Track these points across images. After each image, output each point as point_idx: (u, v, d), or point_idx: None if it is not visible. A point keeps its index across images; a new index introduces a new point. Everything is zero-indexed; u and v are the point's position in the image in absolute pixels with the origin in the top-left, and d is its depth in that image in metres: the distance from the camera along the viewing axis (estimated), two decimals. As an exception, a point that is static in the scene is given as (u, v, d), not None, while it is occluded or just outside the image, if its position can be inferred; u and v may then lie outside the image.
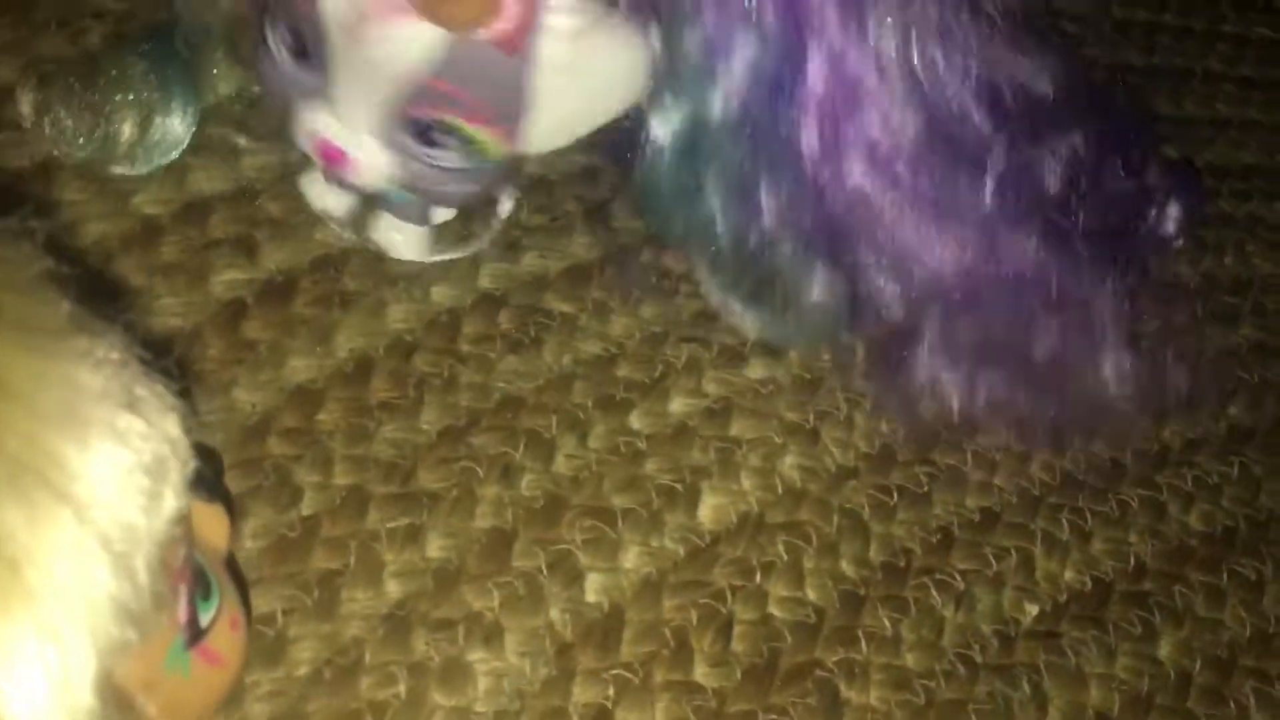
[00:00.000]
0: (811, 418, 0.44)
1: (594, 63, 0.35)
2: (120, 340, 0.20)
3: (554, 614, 0.37)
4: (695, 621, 0.38)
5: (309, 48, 0.35)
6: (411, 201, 0.40)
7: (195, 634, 0.23)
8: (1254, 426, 0.50)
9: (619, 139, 0.41)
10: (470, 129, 0.36)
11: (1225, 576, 0.45)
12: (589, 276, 0.45)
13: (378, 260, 0.43)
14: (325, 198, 0.42)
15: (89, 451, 0.18)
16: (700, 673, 0.38)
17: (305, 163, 0.42)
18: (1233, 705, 0.42)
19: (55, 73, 0.43)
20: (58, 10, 0.45)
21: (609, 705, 0.36)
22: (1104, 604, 0.43)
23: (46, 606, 0.18)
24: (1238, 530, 0.47)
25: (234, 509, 0.29)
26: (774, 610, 0.40)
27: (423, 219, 0.42)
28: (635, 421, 0.42)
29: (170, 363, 0.21)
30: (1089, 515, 0.45)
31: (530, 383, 0.42)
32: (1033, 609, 0.42)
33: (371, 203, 0.42)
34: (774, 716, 0.37)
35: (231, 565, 0.28)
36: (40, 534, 0.18)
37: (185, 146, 0.43)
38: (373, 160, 0.37)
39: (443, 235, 0.44)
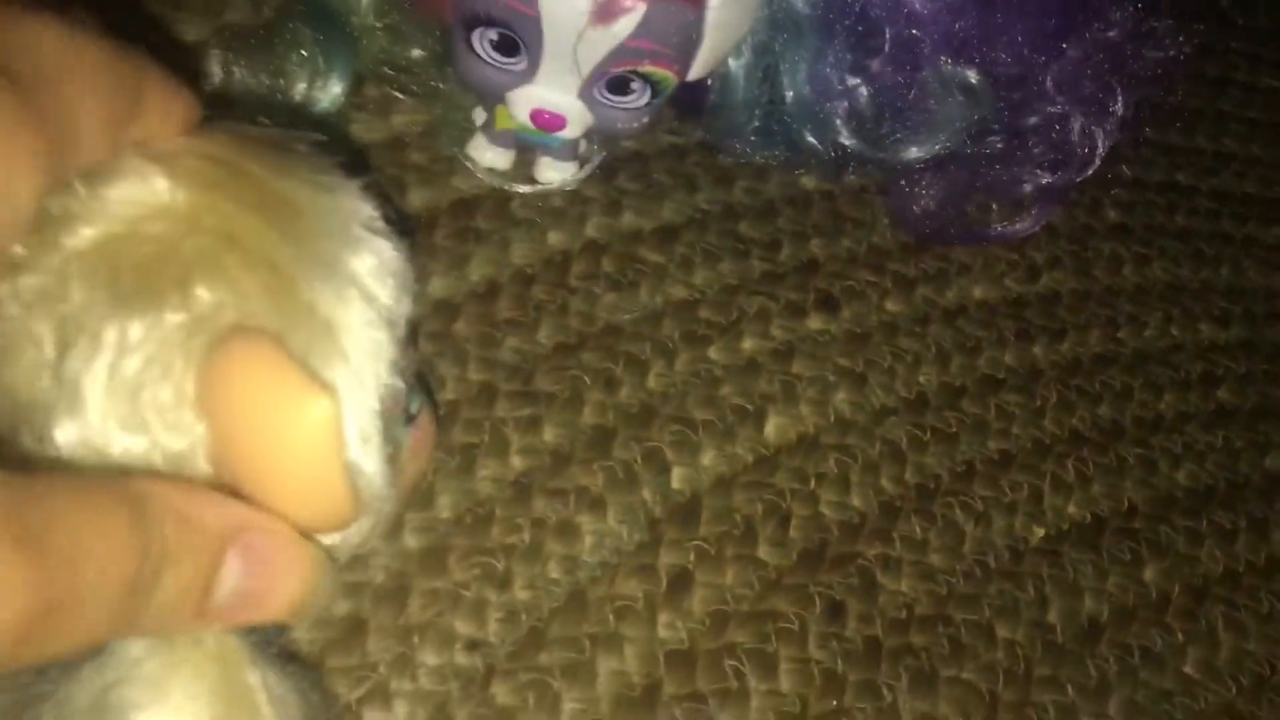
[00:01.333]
0: (860, 364, 0.52)
1: None
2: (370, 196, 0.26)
3: (646, 494, 0.45)
4: (760, 513, 0.46)
5: (521, 45, 0.42)
6: (568, 143, 0.48)
7: (408, 417, 0.28)
8: (1238, 407, 0.59)
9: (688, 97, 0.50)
10: (657, 71, 0.43)
11: (1204, 523, 0.53)
12: (676, 235, 0.54)
13: (503, 204, 0.52)
14: (493, 157, 0.51)
15: (361, 255, 0.24)
16: (763, 551, 0.45)
17: (463, 132, 0.51)
18: (1204, 623, 0.50)
19: (238, 37, 0.51)
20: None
21: (689, 568, 0.44)
22: (1099, 534, 0.51)
23: (351, 355, 0.22)
24: (1217, 488, 0.55)
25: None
26: (824, 510, 0.47)
27: (574, 156, 0.50)
28: (713, 354, 0.50)
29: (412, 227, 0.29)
30: (1091, 464, 0.53)
31: (628, 315, 0.50)
32: (1039, 531, 0.50)
33: (529, 152, 0.51)
34: (822, 589, 0.45)
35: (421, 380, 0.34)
36: (342, 305, 0.23)
37: (344, 103, 0.51)
38: (579, 116, 0.45)
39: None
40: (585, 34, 0.43)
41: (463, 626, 0.41)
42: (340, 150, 0.28)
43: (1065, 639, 0.48)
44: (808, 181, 0.59)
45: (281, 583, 0.22)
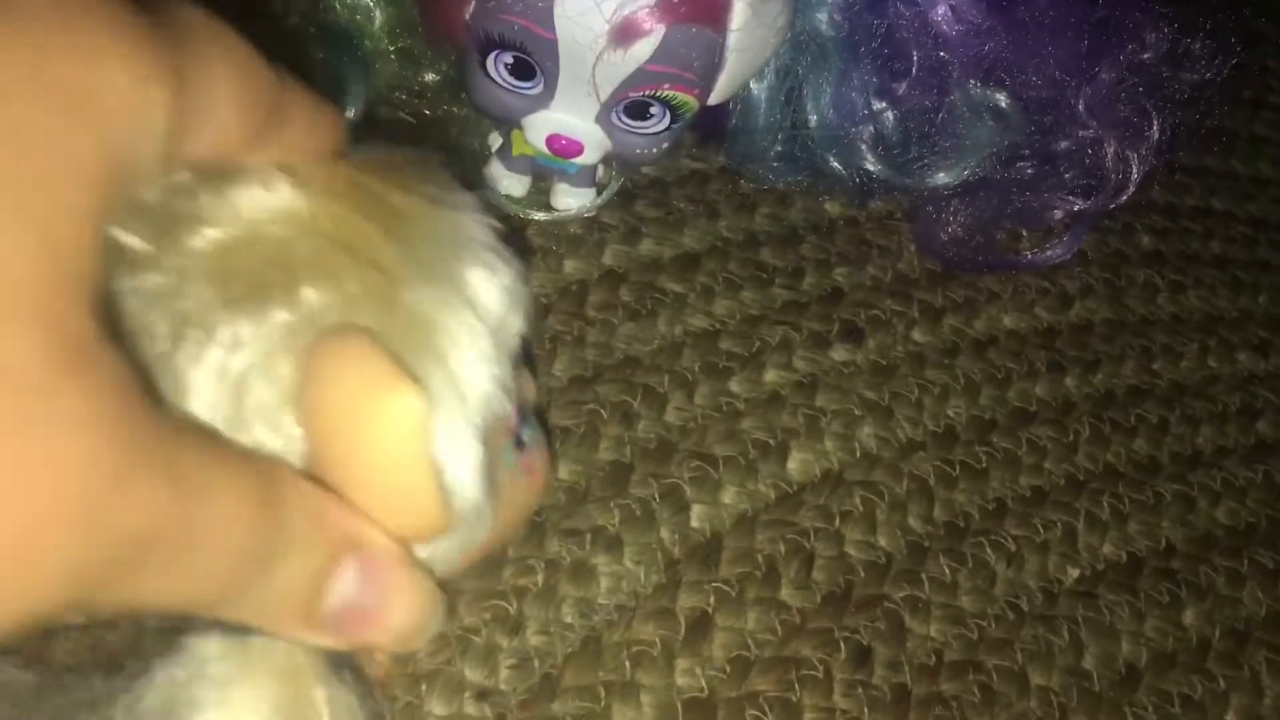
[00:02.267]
0: (886, 397, 0.51)
1: (763, 17, 0.41)
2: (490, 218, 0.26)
3: (664, 533, 0.44)
4: (783, 553, 0.45)
5: (537, 69, 0.41)
6: (585, 169, 0.47)
7: (519, 443, 0.28)
8: (1278, 441, 0.56)
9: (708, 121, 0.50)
10: (677, 96, 0.42)
11: (1246, 563, 0.51)
12: (697, 263, 0.52)
13: (519, 232, 0.50)
14: (509, 183, 0.50)
15: (471, 267, 0.24)
16: (786, 593, 0.44)
17: (479, 158, 0.50)
18: (1247, 669, 0.48)
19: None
20: (244, 6, 0.53)
21: (709, 611, 0.42)
22: (1136, 575, 0.49)
23: (450, 361, 0.23)
24: (1259, 526, 0.53)
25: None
26: (850, 550, 0.46)
27: (592, 182, 0.49)
28: (735, 386, 0.49)
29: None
30: (1127, 501, 0.51)
31: (646, 346, 0.49)
32: (1074, 572, 0.48)
33: (545, 179, 0.49)
34: (848, 634, 0.43)
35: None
36: (445, 311, 0.23)
37: (357, 129, 0.50)
38: (596, 141, 0.44)
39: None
40: (603, 57, 0.41)
41: (472, 674, 0.40)
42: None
43: (1102, 686, 0.46)
44: (832, 207, 0.57)
45: (392, 607, 0.21)
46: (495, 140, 0.51)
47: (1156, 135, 0.52)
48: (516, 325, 0.26)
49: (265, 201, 0.23)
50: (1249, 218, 0.66)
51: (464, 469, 0.23)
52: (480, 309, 0.24)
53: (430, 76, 0.51)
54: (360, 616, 0.21)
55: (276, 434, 0.23)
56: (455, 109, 0.51)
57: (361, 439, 0.22)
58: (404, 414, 0.22)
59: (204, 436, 0.19)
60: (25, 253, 0.14)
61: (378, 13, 0.50)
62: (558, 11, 0.41)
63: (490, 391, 0.24)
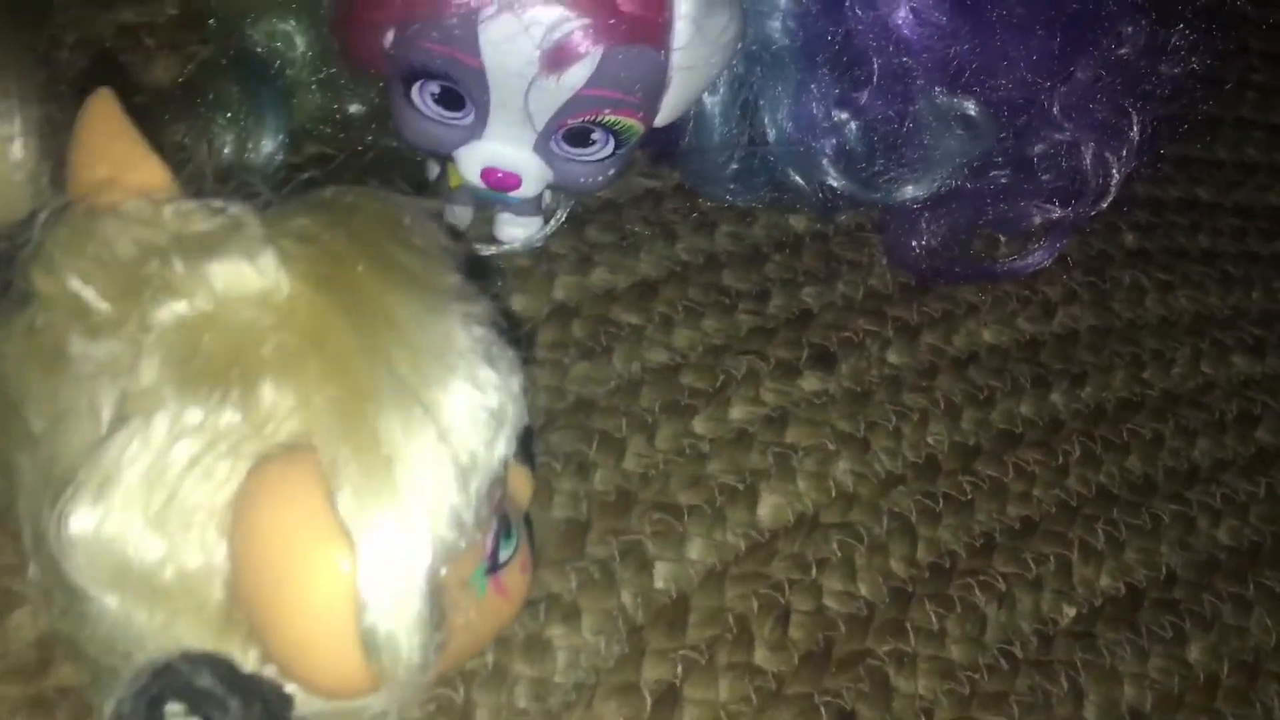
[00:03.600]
0: (862, 428, 0.47)
1: (708, 32, 0.38)
2: (489, 308, 0.25)
3: (626, 597, 0.40)
4: (756, 610, 0.41)
5: (466, 98, 0.38)
6: (529, 200, 0.43)
7: (494, 564, 0.27)
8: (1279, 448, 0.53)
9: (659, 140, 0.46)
10: (620, 121, 0.39)
11: (1252, 588, 0.48)
12: (654, 292, 0.49)
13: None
14: (451, 213, 0.46)
15: (452, 389, 0.22)
16: (760, 656, 0.40)
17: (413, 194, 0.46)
18: (1259, 707, 0.45)
19: (157, 100, 0.46)
20: (162, 37, 0.49)
21: (677, 682, 0.39)
22: (1137, 609, 0.46)
23: (408, 502, 0.21)
24: (1264, 545, 0.50)
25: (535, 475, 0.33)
26: (828, 602, 0.42)
27: (538, 210, 0.46)
28: (699, 426, 0.45)
29: (521, 334, 0.26)
30: (1123, 526, 0.48)
31: (601, 387, 0.45)
32: (1070, 611, 0.45)
33: (488, 209, 0.46)
34: (829, 699, 0.40)
35: (526, 521, 0.32)
36: (411, 441, 0.21)
37: (280, 164, 0.46)
38: (536, 173, 0.40)
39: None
40: (535, 83, 0.38)
41: (417, 774, 0.36)
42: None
43: (1104, 736, 0.43)
44: (797, 222, 0.54)
45: None
46: (432, 170, 0.47)
47: (1136, 135, 0.49)
48: (500, 450, 0.24)
49: (242, 280, 0.22)
50: (1236, 207, 0.63)
51: (400, 629, 0.21)
52: (455, 438, 0.22)
53: (355, 108, 0.47)
54: None
55: (198, 546, 0.21)
56: (386, 141, 0.47)
57: (284, 586, 0.21)
58: (330, 575, 0.20)
59: None
60: None
61: (298, 40, 0.46)
62: (483, 39, 0.37)
63: (447, 537, 0.22)
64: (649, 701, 0.39)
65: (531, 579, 0.30)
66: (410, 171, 0.47)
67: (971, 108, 0.44)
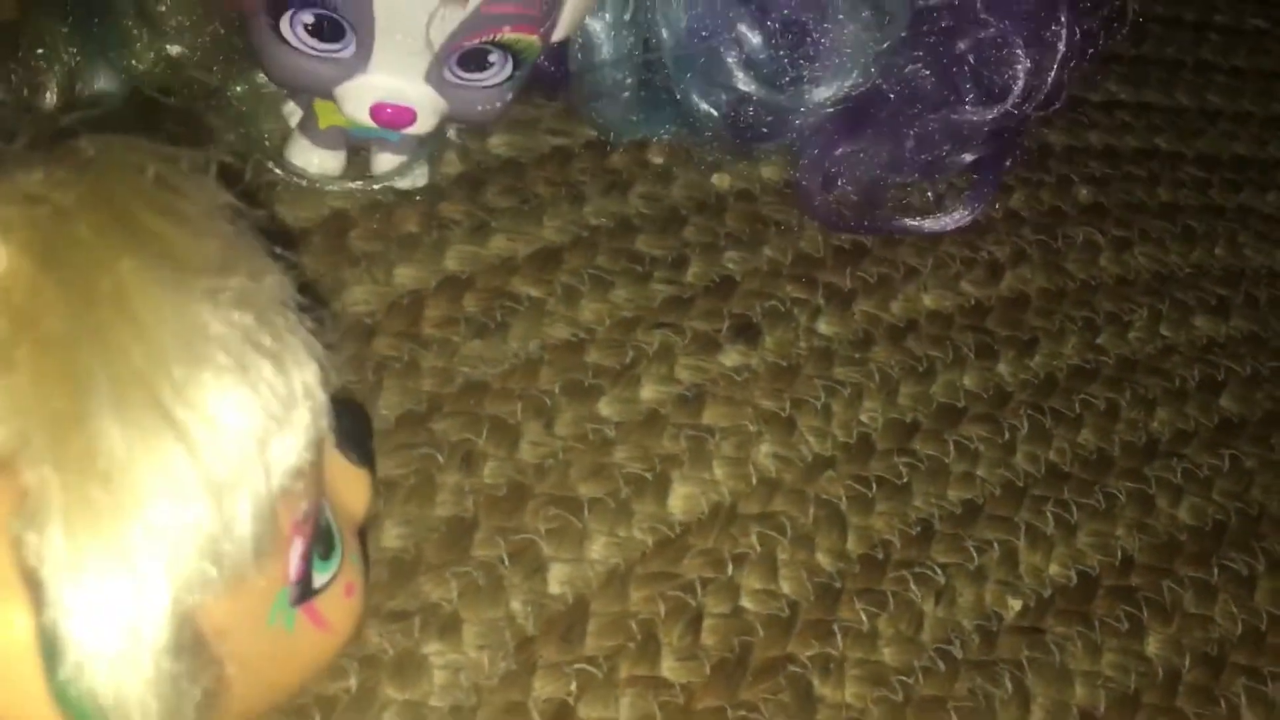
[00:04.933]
0: (788, 406, 0.43)
1: None
2: (278, 284, 0.21)
3: (515, 605, 0.36)
4: (663, 614, 0.37)
5: (346, 26, 0.34)
6: (409, 137, 0.39)
7: (305, 592, 0.23)
8: (1245, 418, 0.50)
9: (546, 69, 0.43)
10: (520, 39, 0.35)
11: (1216, 572, 0.44)
12: (558, 260, 0.44)
13: (337, 237, 0.42)
14: (321, 160, 0.42)
15: (204, 386, 0.18)
16: (667, 667, 0.36)
17: (278, 135, 0.41)
18: (1223, 704, 0.41)
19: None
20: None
21: (571, 701, 0.35)
22: (1089, 599, 0.42)
23: (131, 529, 0.17)
24: (1228, 524, 0.46)
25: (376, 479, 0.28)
26: (746, 603, 0.38)
27: (418, 146, 0.41)
28: (604, 408, 0.41)
29: (325, 314, 0.21)
30: (1074, 508, 0.44)
31: (495, 368, 0.41)
32: (1016, 604, 0.41)
33: (363, 148, 0.43)
34: (744, 713, 0.36)
35: (362, 535, 0.28)
36: (139, 455, 0.18)
37: (114, 109, 0.42)
38: (431, 105, 0.37)
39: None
40: (437, 9, 0.34)
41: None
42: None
43: (1053, 744, 0.39)
44: (720, 180, 0.49)
45: None
46: (293, 113, 0.43)
47: (1065, 30, 0.44)
48: (283, 458, 0.20)
49: None
50: (1199, 156, 0.59)
51: (126, 688, 0.18)
52: (207, 447, 0.18)
53: (177, 50, 0.42)
54: None
55: None
56: (230, 84, 0.42)
57: None
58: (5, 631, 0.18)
59: None
60: None
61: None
62: None
63: (194, 571, 0.18)
64: (538, 724, 0.34)
65: (362, 602, 0.26)
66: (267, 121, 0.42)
67: None
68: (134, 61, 0.41)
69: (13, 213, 0.19)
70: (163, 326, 0.19)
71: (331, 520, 0.25)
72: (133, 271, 0.19)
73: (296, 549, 0.22)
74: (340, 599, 0.24)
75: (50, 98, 0.40)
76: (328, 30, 0.35)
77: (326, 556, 0.24)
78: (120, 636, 0.17)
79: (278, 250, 0.22)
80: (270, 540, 0.20)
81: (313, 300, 0.22)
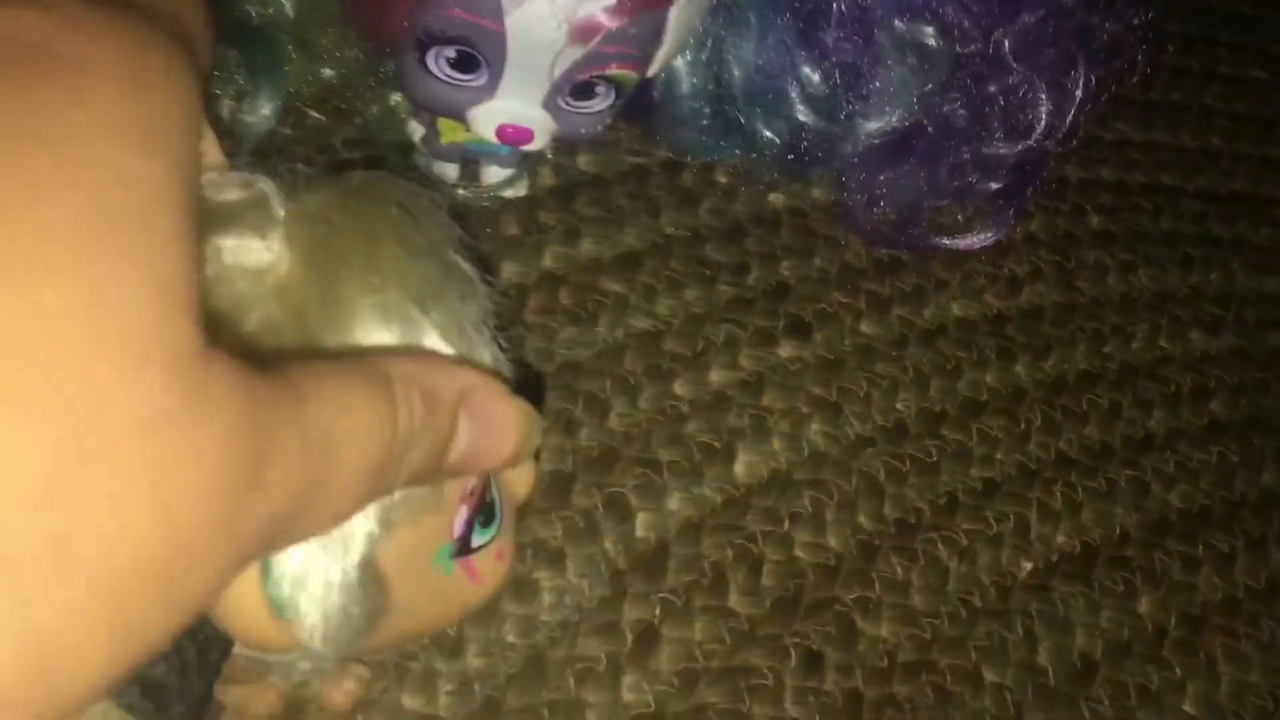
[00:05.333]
0: (834, 393, 0.50)
1: None
2: (480, 310, 0.26)
3: (608, 544, 0.43)
4: (730, 558, 0.44)
5: (482, 61, 0.40)
6: (519, 152, 0.47)
7: (464, 549, 0.26)
8: (1231, 420, 0.56)
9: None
10: (622, 74, 0.41)
11: (1200, 548, 0.51)
12: (638, 262, 0.51)
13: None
14: (440, 170, 0.49)
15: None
16: (734, 600, 0.43)
17: (406, 146, 0.48)
18: (1203, 656, 0.48)
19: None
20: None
21: (655, 623, 0.41)
22: (1091, 565, 0.49)
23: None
24: (1214, 509, 0.52)
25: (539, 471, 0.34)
26: (799, 553, 0.45)
27: (525, 162, 0.49)
28: (679, 388, 0.48)
29: (517, 330, 0.27)
30: (1080, 489, 0.51)
31: (587, 350, 0.47)
32: (1027, 565, 0.48)
33: (473, 161, 0.49)
34: (798, 639, 0.42)
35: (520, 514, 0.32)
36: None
37: (272, 126, 0.48)
38: (544, 127, 0.43)
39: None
40: (562, 48, 0.40)
41: (411, 701, 0.39)
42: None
43: (1057, 681, 0.46)
44: (776, 199, 0.56)
45: (500, 439, 0.23)
46: (415, 130, 0.50)
47: (1083, 76, 0.51)
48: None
49: (247, 254, 0.23)
50: (1199, 192, 0.66)
51: (306, 605, 0.22)
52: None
53: (328, 72, 0.49)
54: (480, 453, 0.22)
55: None
56: (366, 105, 0.49)
57: None
58: None
59: (313, 369, 0.19)
60: (135, 292, 0.15)
61: (288, 6, 0.49)
62: (506, 4, 0.39)
63: (380, 512, 0.23)
64: (629, 639, 0.41)
65: (510, 567, 0.30)
66: (396, 135, 0.50)
67: (929, 34, 0.47)
68: (292, 84, 0.48)
69: (300, 228, 0.24)
70: (386, 334, 0.24)
71: (497, 497, 0.28)
72: (369, 288, 0.24)
73: (461, 514, 0.27)
74: (492, 560, 0.28)
75: (224, 113, 0.47)
76: (466, 64, 0.42)
77: (486, 525, 0.27)
78: (314, 558, 0.22)
79: (487, 277, 0.28)
80: (435, 500, 0.25)
81: (505, 321, 0.29)
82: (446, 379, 0.21)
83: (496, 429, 0.22)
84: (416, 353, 0.22)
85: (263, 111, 0.48)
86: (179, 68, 0.17)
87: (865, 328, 0.53)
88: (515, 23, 0.39)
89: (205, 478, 0.15)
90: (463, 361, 0.24)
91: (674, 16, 0.42)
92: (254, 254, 0.23)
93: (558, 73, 0.41)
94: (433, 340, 0.24)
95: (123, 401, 0.14)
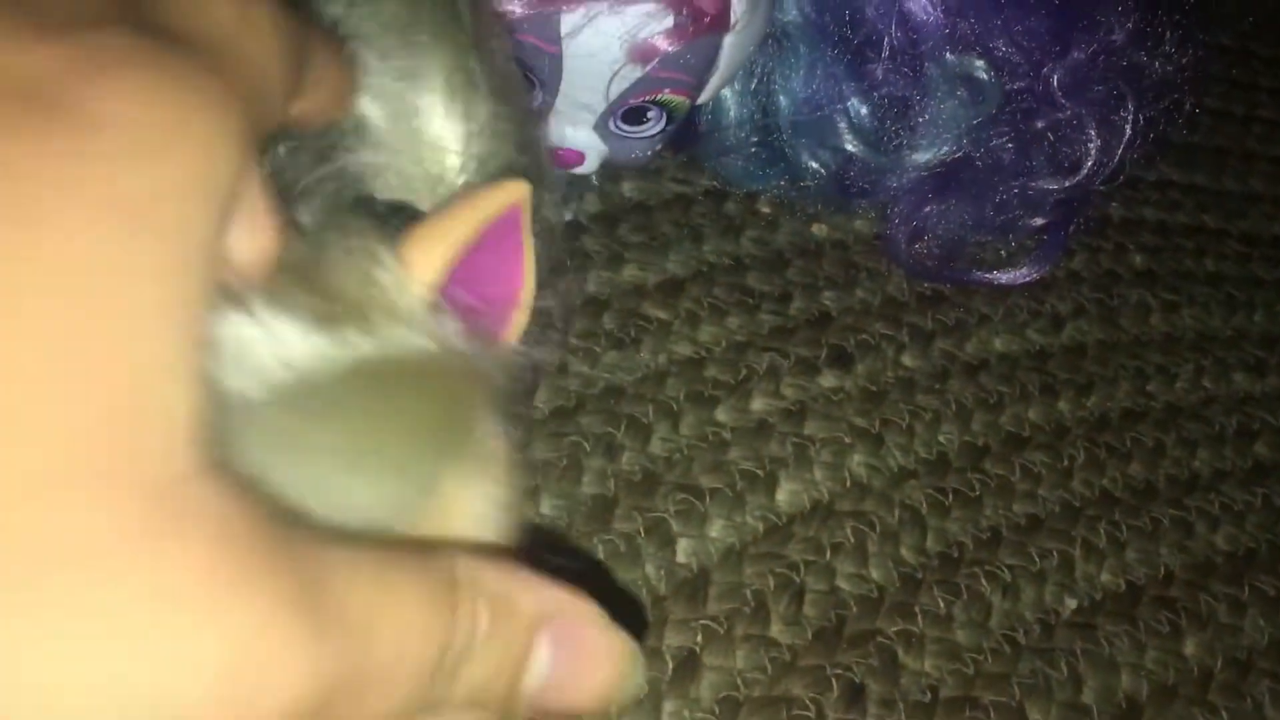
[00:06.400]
0: (877, 424, 0.49)
1: (756, 16, 0.42)
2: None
3: (649, 569, 0.42)
4: (772, 587, 0.43)
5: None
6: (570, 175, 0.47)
7: None
8: (1276, 462, 0.56)
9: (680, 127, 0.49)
10: (674, 99, 0.42)
11: (1246, 590, 0.50)
12: (681, 289, 0.51)
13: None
14: None
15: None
16: (776, 630, 0.42)
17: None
18: (1249, 700, 0.47)
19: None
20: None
21: (697, 650, 0.41)
22: (1135, 604, 0.48)
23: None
24: (1259, 551, 0.52)
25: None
26: (841, 584, 0.44)
27: (571, 187, 0.49)
28: (721, 415, 0.47)
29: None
30: (1124, 528, 0.50)
31: (630, 375, 0.47)
32: (1072, 602, 0.47)
33: None
34: (840, 671, 0.42)
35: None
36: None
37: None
38: (596, 150, 0.44)
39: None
40: (618, 72, 0.41)
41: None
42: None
43: (1102, 720, 0.45)
44: (819, 230, 0.56)
45: (592, 672, 0.19)
46: None
47: (1132, 115, 0.51)
48: None
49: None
50: (1242, 234, 0.65)
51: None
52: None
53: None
54: (563, 687, 0.19)
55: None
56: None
57: None
58: None
59: (365, 553, 0.16)
60: (87, 391, 0.12)
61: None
62: (564, 27, 0.40)
63: None
64: (670, 666, 0.41)
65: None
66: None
67: (979, 68, 0.47)
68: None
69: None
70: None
71: None
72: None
73: None
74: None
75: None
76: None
77: None
78: None
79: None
80: None
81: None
82: (527, 592, 0.18)
83: (588, 658, 0.19)
84: (497, 562, 0.19)
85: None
86: (223, 128, 0.14)
87: (907, 360, 0.53)
88: (573, 46, 0.40)
89: (182, 641, 0.12)
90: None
91: (729, 44, 0.42)
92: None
93: (613, 94, 0.42)
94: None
95: (58, 533, 0.12)
